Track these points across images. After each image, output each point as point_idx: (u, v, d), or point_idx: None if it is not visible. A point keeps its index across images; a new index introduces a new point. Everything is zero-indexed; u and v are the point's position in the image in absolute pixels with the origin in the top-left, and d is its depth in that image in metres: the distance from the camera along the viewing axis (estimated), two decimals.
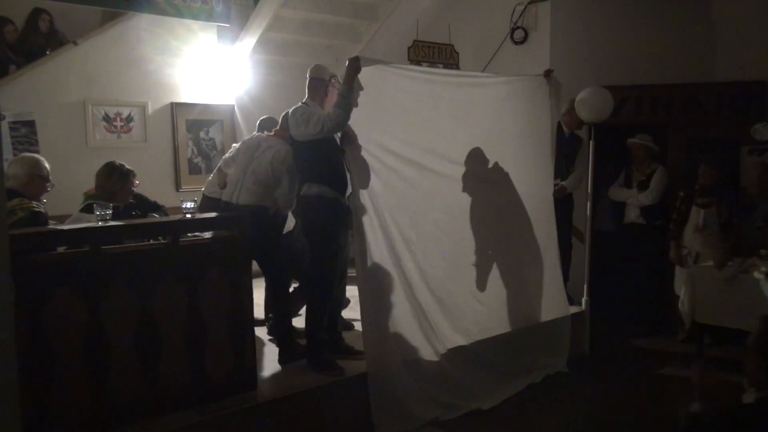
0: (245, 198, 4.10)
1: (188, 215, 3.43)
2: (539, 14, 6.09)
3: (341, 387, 3.80)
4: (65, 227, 3.20)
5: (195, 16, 6.16)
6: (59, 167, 4.14)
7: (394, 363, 3.93)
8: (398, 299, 4.03)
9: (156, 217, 4.06)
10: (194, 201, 3.50)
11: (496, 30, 6.29)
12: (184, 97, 6.34)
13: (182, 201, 3.48)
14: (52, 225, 3.38)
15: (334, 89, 3.92)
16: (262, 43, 6.54)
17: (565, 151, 5.46)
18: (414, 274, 4.11)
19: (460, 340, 4.34)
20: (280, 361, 4.04)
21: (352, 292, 4.39)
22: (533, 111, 4.89)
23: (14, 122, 5.35)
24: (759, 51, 5.80)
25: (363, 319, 3.90)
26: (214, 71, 6.51)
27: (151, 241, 3.53)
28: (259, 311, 4.40)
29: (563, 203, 5.35)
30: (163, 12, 5.94)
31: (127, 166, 3.90)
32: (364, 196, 3.87)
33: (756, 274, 4.71)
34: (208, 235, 3.69)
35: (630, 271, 5.92)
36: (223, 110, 6.64)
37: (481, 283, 4.59)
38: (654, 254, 5.76)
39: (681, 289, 5.34)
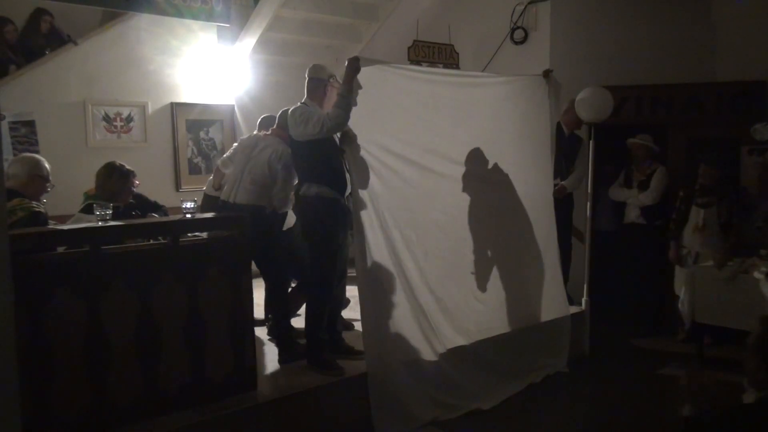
0: (242, 197, 4.10)
1: (188, 215, 3.43)
2: (539, 14, 6.09)
3: (341, 387, 3.80)
4: (65, 227, 3.20)
5: (195, 16, 6.16)
6: (59, 167, 4.14)
7: (394, 363, 3.93)
8: (398, 299, 4.03)
9: (156, 217, 4.05)
10: (194, 201, 3.50)
11: (496, 30, 6.29)
12: (184, 97, 6.34)
13: (182, 201, 3.48)
14: (52, 225, 3.38)
15: (333, 89, 3.92)
16: (262, 43, 6.54)
17: (565, 151, 5.46)
18: (414, 274, 4.11)
19: (460, 340, 4.34)
20: (280, 360, 4.04)
21: (352, 292, 4.40)
22: (533, 111, 4.89)
23: (14, 122, 5.35)
24: (759, 51, 5.81)
25: (363, 319, 3.90)
26: (214, 71, 6.51)
27: (151, 241, 3.53)
28: (259, 311, 4.40)
29: (563, 203, 5.35)
30: (163, 12, 5.93)
31: (127, 167, 3.91)
32: (363, 196, 3.87)
33: (756, 274, 4.71)
34: (206, 234, 3.69)
35: (630, 271, 5.92)
36: (223, 110, 6.64)
37: (481, 284, 4.59)
38: (654, 254, 5.77)
39: (681, 289, 5.35)
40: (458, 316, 4.38)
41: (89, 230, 3.15)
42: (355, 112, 3.68)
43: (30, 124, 5.42)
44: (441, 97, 4.34)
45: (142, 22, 6.00)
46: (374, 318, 3.91)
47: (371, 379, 3.81)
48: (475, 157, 4.53)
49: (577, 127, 5.54)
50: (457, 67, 5.96)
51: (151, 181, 5.24)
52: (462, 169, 4.46)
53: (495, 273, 4.68)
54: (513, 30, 6.21)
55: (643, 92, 6.09)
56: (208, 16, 6.25)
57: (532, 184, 4.90)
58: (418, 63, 5.65)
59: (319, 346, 3.95)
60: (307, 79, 3.98)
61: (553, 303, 5.01)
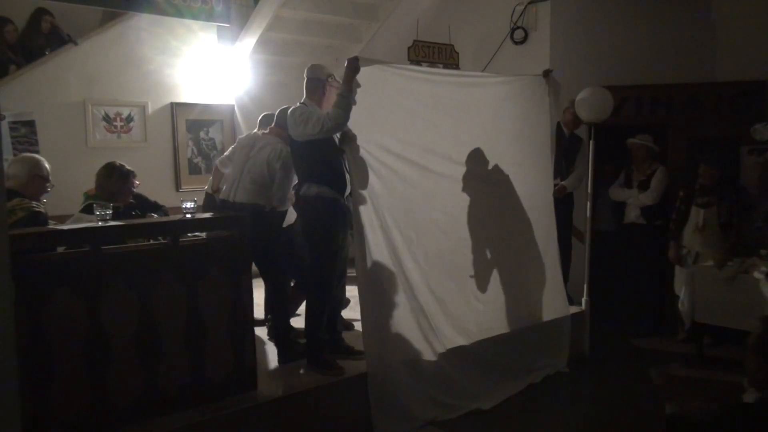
0: (242, 196, 4.11)
1: (188, 215, 3.43)
2: (539, 14, 6.09)
3: (341, 387, 3.80)
4: (65, 227, 3.20)
5: (195, 16, 6.16)
6: (59, 167, 4.14)
7: (394, 363, 3.93)
8: (398, 299, 4.03)
9: (156, 217, 4.05)
10: (194, 201, 3.50)
11: (496, 30, 6.29)
12: (184, 97, 6.34)
13: (182, 201, 3.48)
14: (52, 225, 3.38)
15: (331, 88, 3.92)
16: (262, 43, 6.54)
17: (565, 151, 5.46)
18: (414, 274, 4.11)
19: (461, 340, 4.34)
20: (280, 360, 4.04)
21: (352, 292, 4.40)
22: (533, 111, 4.89)
23: (14, 122, 5.35)
24: (759, 51, 5.81)
25: (363, 319, 3.90)
26: (214, 71, 6.51)
27: (151, 241, 3.53)
28: (259, 311, 4.40)
29: (563, 203, 5.35)
30: (163, 12, 5.93)
31: (128, 167, 3.91)
32: (363, 196, 3.87)
33: (756, 274, 4.71)
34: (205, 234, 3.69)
35: (630, 271, 5.92)
36: (223, 110, 6.64)
37: (481, 284, 4.59)
38: (654, 254, 5.77)
39: (681, 289, 5.35)
40: (458, 316, 4.38)
41: (89, 230, 3.15)
42: (354, 112, 3.68)
43: (30, 124, 5.42)
44: (441, 97, 4.34)
45: (142, 22, 6.00)
46: (374, 318, 3.91)
47: (371, 379, 3.81)
48: (476, 158, 4.53)
49: (576, 127, 5.54)
50: (457, 67, 5.96)
51: (151, 181, 5.24)
52: (462, 169, 4.46)
53: (495, 273, 4.68)
54: (513, 30, 6.22)
55: (643, 92, 6.09)
56: (208, 16, 6.25)
57: (532, 184, 4.90)
58: (418, 63, 5.65)
59: (319, 346, 3.95)
60: (305, 79, 3.98)
61: (553, 303, 5.01)
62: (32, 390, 2.82)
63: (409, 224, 4.11)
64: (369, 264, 3.90)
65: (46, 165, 3.63)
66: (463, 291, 4.49)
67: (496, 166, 4.67)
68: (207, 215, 3.92)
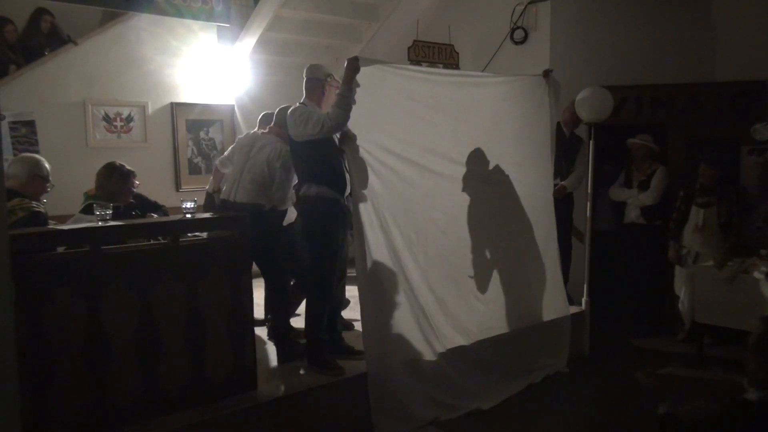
0: (242, 196, 4.11)
1: (188, 215, 3.43)
2: (539, 14, 6.09)
3: (341, 387, 3.80)
4: (65, 227, 3.20)
5: (195, 16, 6.16)
6: (59, 167, 4.13)
7: (394, 363, 3.93)
8: (398, 299, 4.03)
9: (156, 217, 4.05)
10: (194, 201, 3.50)
11: (496, 30, 6.29)
12: (184, 97, 6.34)
13: (182, 201, 3.48)
14: (52, 225, 3.38)
15: (331, 88, 3.93)
16: (262, 43, 6.54)
17: (565, 151, 5.46)
18: (414, 274, 4.11)
19: (461, 340, 4.34)
20: (279, 360, 4.05)
21: (352, 292, 4.40)
22: (532, 111, 4.89)
23: (14, 122, 5.35)
24: (759, 51, 5.81)
25: (363, 319, 3.90)
26: (214, 71, 6.51)
27: (151, 241, 3.53)
28: (259, 311, 4.40)
29: (563, 203, 5.35)
30: (163, 12, 5.93)
31: (128, 167, 3.90)
32: (363, 196, 3.87)
33: (756, 274, 4.71)
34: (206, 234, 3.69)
35: (630, 271, 5.92)
36: (223, 110, 6.64)
37: (481, 284, 4.59)
38: (654, 254, 5.77)
39: (681, 289, 5.35)
40: (458, 316, 4.38)
41: (89, 230, 3.15)
42: (354, 112, 3.68)
43: (30, 124, 5.42)
44: (441, 97, 4.34)
45: (142, 22, 6.00)
46: (374, 318, 3.91)
47: (371, 379, 3.81)
48: (477, 158, 4.53)
49: (575, 126, 5.54)
50: (457, 67, 5.97)
51: (151, 181, 5.24)
52: (462, 169, 4.47)
53: (495, 273, 4.68)
54: (513, 30, 6.22)
55: (643, 92, 6.09)
56: (208, 16, 6.25)
57: (532, 184, 4.91)
58: (418, 63, 5.66)
59: (319, 346, 3.95)
60: (304, 79, 3.98)
61: (553, 303, 5.02)
62: (32, 390, 2.82)
63: (409, 224, 4.11)
64: (369, 264, 3.90)
65: (46, 165, 3.63)
66: (463, 291, 4.49)
67: (496, 167, 4.67)
68: (207, 215, 3.92)
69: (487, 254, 4.64)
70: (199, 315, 3.34)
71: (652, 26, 6.13)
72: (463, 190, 4.47)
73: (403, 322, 4.04)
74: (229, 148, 4.80)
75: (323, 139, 3.79)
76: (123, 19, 5.95)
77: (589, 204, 5.30)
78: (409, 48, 5.79)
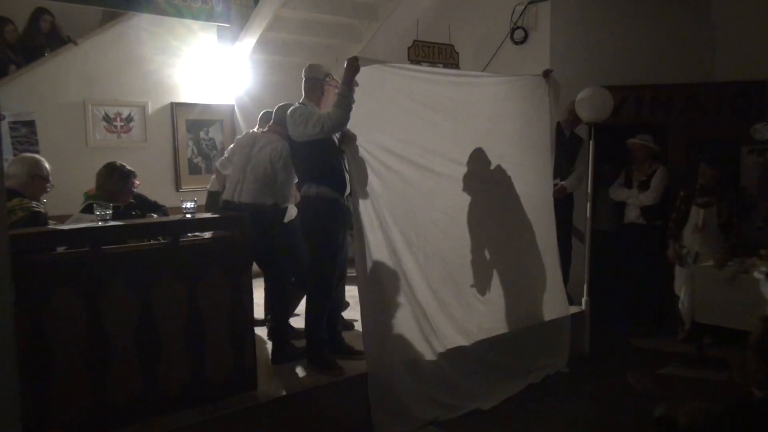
0: (247, 196, 4.12)
1: (188, 215, 3.43)
2: (539, 14, 6.09)
3: (341, 387, 3.80)
4: (65, 227, 3.20)
5: (195, 16, 6.16)
6: (59, 167, 4.14)
7: (394, 363, 3.93)
8: (398, 299, 4.03)
9: (156, 217, 4.05)
10: (194, 201, 3.50)
11: (496, 30, 6.29)
12: (184, 97, 6.34)
13: (182, 201, 3.48)
14: (52, 225, 3.38)
15: (330, 88, 3.93)
16: (262, 43, 6.54)
17: (565, 151, 5.46)
18: (414, 274, 4.11)
19: (461, 340, 4.34)
20: (273, 360, 4.04)
21: (351, 292, 4.39)
22: (532, 111, 4.89)
23: (14, 122, 5.35)
24: (759, 51, 5.81)
25: (363, 319, 3.90)
26: (214, 71, 6.51)
27: (151, 241, 3.53)
28: (259, 311, 4.40)
29: (563, 203, 5.35)
30: (163, 12, 5.94)
31: (128, 167, 3.90)
32: (363, 196, 3.87)
33: (756, 274, 4.71)
34: (209, 234, 3.69)
35: (630, 271, 5.92)
36: (223, 110, 6.64)
37: (481, 284, 4.58)
38: (654, 254, 5.76)
39: (681, 289, 5.35)
40: (458, 316, 4.38)
41: (89, 230, 3.14)
42: (354, 112, 3.68)
43: (30, 124, 5.42)
44: (441, 97, 4.34)
45: (142, 22, 6.00)
46: (374, 318, 3.91)
47: (371, 379, 3.81)
48: (478, 158, 4.53)
49: (575, 126, 5.54)
50: (457, 67, 5.97)
51: (151, 181, 5.24)
52: (462, 169, 4.46)
53: (495, 273, 4.67)
54: (513, 30, 6.21)
55: (643, 92, 6.09)
56: (208, 16, 6.25)
57: (532, 184, 4.90)
58: (418, 63, 5.66)
59: (319, 346, 3.95)
60: (303, 79, 3.98)
61: (553, 303, 5.02)
62: (32, 390, 2.82)
63: (409, 224, 4.11)
64: (369, 264, 3.90)
65: (46, 165, 3.63)
66: (463, 291, 4.48)
67: (498, 166, 4.67)
68: (207, 215, 3.93)
69: (487, 254, 4.64)
70: (199, 315, 3.34)
71: (652, 26, 6.13)
72: (464, 189, 4.47)
73: (403, 322, 4.04)
74: (228, 149, 4.80)
75: (323, 139, 3.79)
76: (123, 19, 5.96)
77: (589, 204, 5.30)
78: (409, 48, 5.79)
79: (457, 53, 6.07)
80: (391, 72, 4.05)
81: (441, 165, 4.33)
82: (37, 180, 3.55)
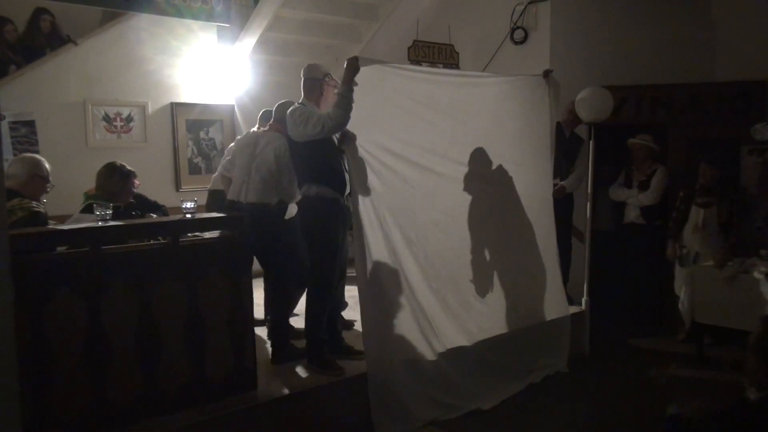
0: (253, 196, 4.13)
1: (188, 215, 3.43)
2: (539, 14, 6.08)
3: (341, 387, 3.80)
4: (65, 227, 3.20)
5: (195, 16, 6.16)
6: (59, 167, 4.14)
7: (394, 363, 3.93)
8: (398, 299, 4.03)
9: (156, 217, 4.06)
10: (194, 201, 3.50)
11: (496, 30, 6.29)
12: (184, 97, 6.34)
13: (182, 201, 3.48)
14: (52, 225, 3.38)
15: (329, 87, 3.93)
16: (262, 43, 6.54)
17: (565, 151, 5.46)
18: (414, 274, 4.11)
19: (461, 340, 4.34)
20: (273, 360, 4.04)
21: (351, 292, 4.40)
22: (532, 111, 4.89)
23: (14, 122, 5.35)
24: (759, 51, 5.80)
25: (363, 319, 3.90)
26: (214, 71, 6.51)
27: (151, 241, 3.53)
28: (259, 311, 4.40)
29: (563, 203, 5.35)
30: (163, 12, 5.94)
31: (128, 167, 3.91)
32: (363, 196, 3.87)
33: (756, 274, 4.71)
34: (211, 235, 3.69)
35: (630, 271, 5.92)
36: (223, 110, 6.64)
37: (481, 284, 4.58)
38: (654, 254, 5.76)
39: (681, 289, 5.35)
40: (458, 316, 4.38)
41: (89, 230, 3.15)
42: (354, 112, 3.68)
43: (30, 124, 5.42)
44: (441, 97, 4.34)
45: (142, 22, 6.00)
46: (374, 318, 3.91)
47: (371, 379, 3.81)
48: (479, 158, 4.53)
49: (575, 126, 5.54)
50: (457, 67, 5.97)
51: (151, 181, 5.24)
52: (462, 169, 4.46)
53: (495, 273, 4.67)
54: (513, 30, 6.21)
55: (643, 92, 6.09)
56: (208, 16, 6.26)
57: (532, 184, 4.90)
58: (418, 63, 5.66)
59: (319, 346, 3.95)
60: (302, 79, 3.98)
61: (553, 303, 5.01)
62: (32, 390, 2.82)
63: (409, 224, 4.11)
64: (369, 264, 3.90)
65: (46, 165, 3.63)
66: (463, 291, 4.48)
67: (499, 167, 4.67)
68: (207, 215, 3.93)
69: (487, 254, 4.64)
70: (199, 315, 3.34)
71: (652, 26, 6.13)
72: (464, 189, 4.47)
73: (403, 322, 4.04)
74: (228, 148, 4.80)
75: (323, 139, 3.79)
76: (123, 19, 5.96)
77: (589, 204, 5.30)
78: (409, 48, 5.79)
79: (457, 53, 6.07)
80: (391, 72, 4.04)
81: (441, 165, 4.33)
82: (37, 180, 3.55)
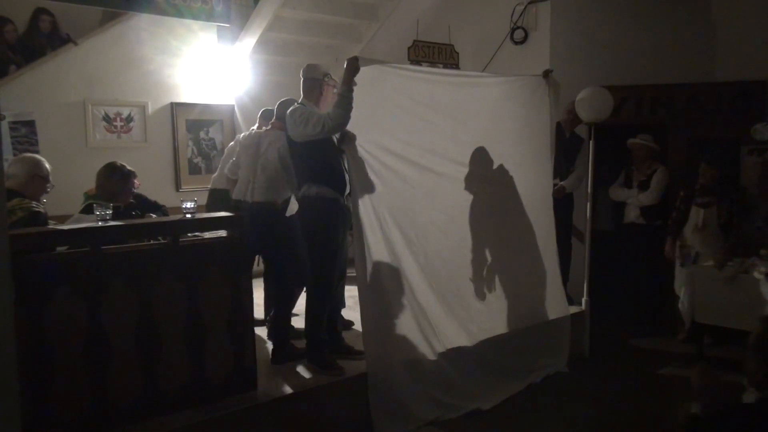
0: (260, 195, 4.15)
1: (188, 215, 3.43)
2: (539, 14, 6.09)
3: (341, 387, 3.80)
4: (65, 227, 3.20)
5: (195, 16, 6.16)
6: (59, 167, 4.14)
7: (394, 363, 3.93)
8: (398, 299, 4.03)
9: (156, 217, 4.06)
10: (194, 201, 3.50)
11: (496, 30, 6.29)
12: (184, 97, 6.35)
13: (182, 201, 3.48)
14: (52, 225, 3.38)
15: (328, 87, 3.93)
16: (262, 43, 6.55)
17: (565, 151, 5.46)
18: (414, 274, 4.11)
19: (461, 340, 4.34)
20: (273, 361, 4.04)
21: (351, 292, 4.40)
22: (532, 111, 4.89)
23: (14, 122, 5.35)
24: (759, 51, 5.80)
25: (363, 319, 3.90)
26: (214, 71, 6.52)
27: (151, 241, 3.53)
28: (259, 311, 4.40)
29: (563, 203, 5.35)
30: (163, 12, 5.94)
31: (128, 167, 3.90)
32: (363, 196, 3.87)
33: (756, 274, 4.71)
34: (211, 235, 3.69)
35: (630, 271, 5.92)
36: (223, 110, 6.65)
37: (480, 284, 4.58)
38: (654, 254, 5.76)
39: (681, 289, 5.34)
40: (458, 316, 4.38)
41: (89, 230, 3.14)
42: (354, 112, 3.68)
43: (30, 124, 5.43)
44: (441, 97, 4.34)
45: (142, 22, 6.00)
46: (374, 318, 3.91)
47: (371, 379, 3.81)
48: (480, 158, 4.53)
49: (575, 126, 5.54)
50: (457, 67, 5.97)
51: (151, 181, 5.25)
52: (462, 169, 4.46)
53: (495, 273, 4.67)
54: (513, 30, 6.21)
55: (643, 92, 6.09)
56: (208, 16, 6.26)
57: (532, 184, 4.90)
58: (418, 63, 5.66)
59: (319, 346, 3.95)
60: (302, 79, 3.98)
61: (553, 303, 5.02)
62: (32, 390, 2.82)
63: (409, 224, 4.11)
64: (369, 264, 3.90)
65: (46, 165, 3.63)
66: (463, 291, 4.48)
67: (500, 167, 4.67)
68: (207, 215, 3.93)
69: (488, 254, 4.64)
70: (199, 315, 3.34)
71: (652, 26, 6.13)
72: (465, 189, 4.47)
73: (403, 322, 4.04)
74: (227, 148, 4.79)
75: (323, 139, 3.79)
76: (123, 19, 5.96)
77: (589, 204, 5.30)
78: (409, 48, 5.78)
79: (457, 53, 6.07)
80: (391, 72, 4.04)
81: (441, 165, 4.33)
82: (37, 180, 3.55)
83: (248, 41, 6.47)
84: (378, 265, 3.94)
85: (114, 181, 3.81)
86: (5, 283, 1.77)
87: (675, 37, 6.11)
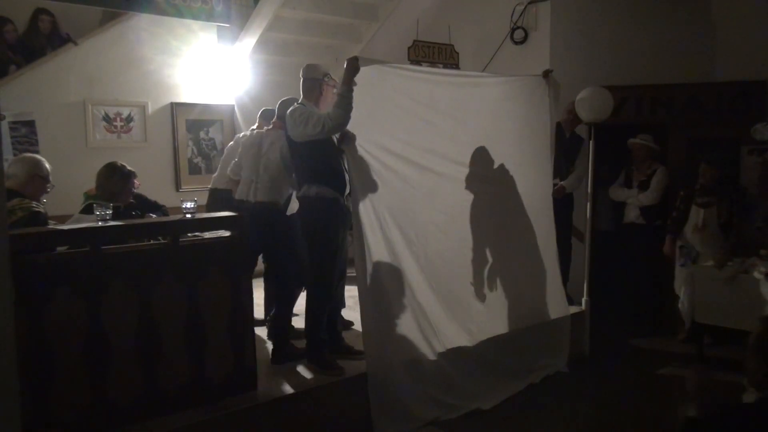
0: (263, 195, 4.16)
1: (188, 215, 3.43)
2: (539, 14, 6.09)
3: (341, 387, 3.80)
4: (65, 227, 3.20)
5: (195, 16, 6.16)
6: (59, 167, 4.14)
7: (394, 363, 3.92)
8: (398, 299, 4.03)
9: (156, 217, 4.06)
10: (194, 201, 3.50)
11: (496, 30, 6.29)
12: (184, 97, 6.35)
13: (182, 201, 3.48)
14: (52, 225, 3.38)
15: (328, 87, 3.93)
16: (262, 43, 6.55)
17: (565, 151, 5.46)
18: (414, 274, 4.11)
19: (461, 340, 4.34)
20: (273, 360, 4.04)
21: (351, 292, 4.40)
22: (532, 111, 4.89)
23: (14, 122, 5.35)
24: (759, 51, 5.80)
25: (363, 319, 3.90)
26: (214, 71, 6.52)
27: (151, 241, 3.53)
28: (259, 311, 4.40)
29: (563, 203, 5.35)
30: (163, 12, 5.94)
31: (128, 167, 3.90)
32: (363, 196, 3.87)
33: (756, 274, 4.71)
34: (212, 235, 3.69)
35: (630, 271, 5.92)
36: (223, 110, 6.65)
37: (480, 284, 4.58)
38: (654, 254, 5.76)
39: (681, 289, 5.35)
40: (458, 316, 4.38)
41: (89, 230, 3.14)
42: (354, 112, 3.68)
43: (30, 124, 5.43)
44: (441, 97, 4.34)
45: (142, 22, 6.00)
46: (374, 318, 3.91)
47: (371, 379, 3.81)
48: (480, 158, 4.53)
49: (575, 126, 5.54)
50: (457, 67, 5.96)
51: (151, 181, 5.25)
52: (462, 169, 4.46)
53: (495, 273, 4.67)
54: (513, 30, 6.21)
55: (643, 92, 6.09)
56: (208, 16, 6.26)
57: (532, 184, 4.90)
58: (418, 63, 5.65)
59: (319, 346, 3.95)
60: (301, 79, 3.98)
61: (553, 303, 5.01)
62: (32, 390, 2.82)
63: (409, 224, 4.11)
64: (369, 264, 3.90)
65: (46, 165, 3.62)
66: (464, 291, 4.48)
67: (501, 167, 4.67)
68: (207, 215, 3.93)
69: (488, 254, 4.63)
70: (199, 315, 3.34)
71: (652, 26, 6.13)
72: (466, 188, 4.47)
73: (403, 322, 4.04)
74: (227, 147, 4.79)
75: (323, 139, 3.79)
76: (123, 19, 5.96)
77: (589, 204, 5.30)
78: (409, 48, 5.78)
79: (457, 53, 6.07)
80: (391, 72, 4.04)
81: (441, 165, 4.33)
82: (37, 180, 3.55)
83: (248, 41, 6.47)
84: (378, 265, 3.94)
85: (114, 181, 3.81)
86: (5, 283, 1.77)
87: (675, 37, 6.10)
